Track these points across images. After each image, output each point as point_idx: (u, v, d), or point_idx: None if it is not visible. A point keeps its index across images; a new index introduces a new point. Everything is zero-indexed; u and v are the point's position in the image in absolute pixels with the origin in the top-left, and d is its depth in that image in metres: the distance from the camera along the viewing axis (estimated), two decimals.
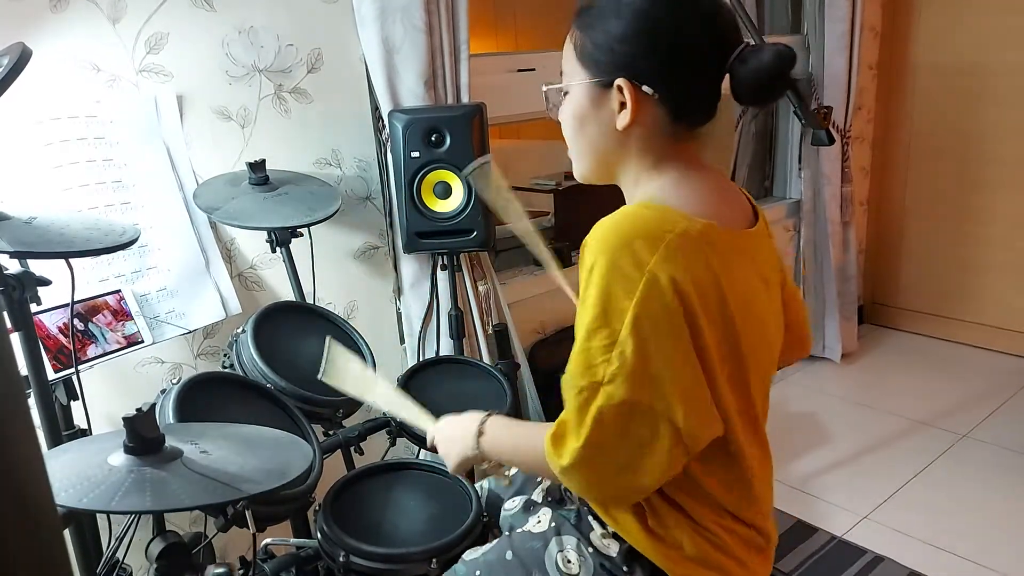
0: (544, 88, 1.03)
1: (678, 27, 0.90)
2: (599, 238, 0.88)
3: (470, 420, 1.10)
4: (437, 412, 1.54)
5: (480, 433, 1.07)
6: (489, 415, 1.09)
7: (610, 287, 0.85)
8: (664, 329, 0.85)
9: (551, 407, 2.17)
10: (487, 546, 1.12)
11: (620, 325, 0.84)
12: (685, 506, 0.95)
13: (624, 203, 1.08)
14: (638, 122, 0.93)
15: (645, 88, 0.91)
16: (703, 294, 0.86)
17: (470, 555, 1.11)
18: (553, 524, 1.07)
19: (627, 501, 0.96)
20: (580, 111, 0.97)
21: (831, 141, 2.11)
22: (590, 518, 1.04)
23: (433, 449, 1.16)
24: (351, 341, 1.63)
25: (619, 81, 0.91)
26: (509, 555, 1.06)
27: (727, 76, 0.92)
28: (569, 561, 1.02)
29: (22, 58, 1.08)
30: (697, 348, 0.86)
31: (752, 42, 0.92)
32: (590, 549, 1.02)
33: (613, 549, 1.00)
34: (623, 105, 0.93)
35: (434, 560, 1.16)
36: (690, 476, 0.93)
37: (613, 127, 0.94)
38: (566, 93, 0.99)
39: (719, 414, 0.90)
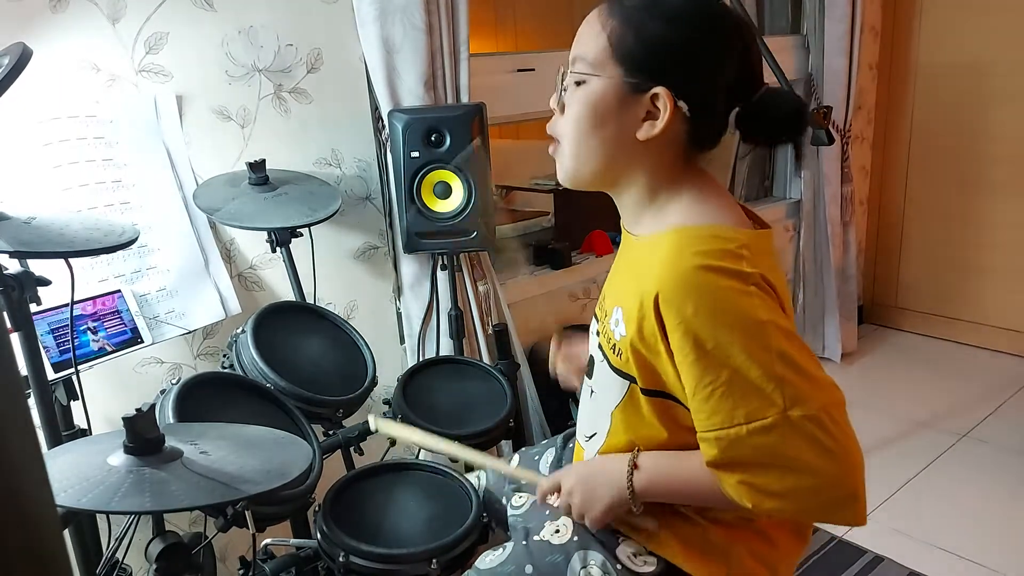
0: (568, 71, 0.93)
1: (723, 50, 0.88)
2: (683, 277, 0.82)
3: (614, 458, 0.96)
4: (437, 412, 1.54)
5: (634, 467, 0.94)
6: (639, 451, 0.96)
7: (733, 313, 0.81)
8: (785, 323, 0.83)
9: (551, 407, 2.17)
10: (502, 555, 1.05)
11: (767, 340, 0.80)
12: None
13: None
14: (659, 137, 0.88)
15: (681, 103, 0.87)
16: (774, 288, 0.86)
17: (484, 563, 1.05)
18: (576, 537, 1.01)
19: (864, 502, 0.84)
20: (602, 108, 0.90)
21: (831, 141, 2.11)
22: (616, 534, 1.00)
23: (544, 497, 1.03)
24: (351, 341, 1.63)
25: (659, 89, 0.87)
26: (529, 569, 1.00)
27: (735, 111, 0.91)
28: None
29: (22, 58, 1.08)
30: None
31: (770, 85, 0.92)
32: (618, 566, 0.97)
33: (647, 567, 0.97)
34: (650, 114, 0.88)
35: (434, 560, 1.16)
36: None
37: (631, 135, 0.89)
38: (581, 83, 0.92)
39: None
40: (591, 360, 1.05)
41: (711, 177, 0.95)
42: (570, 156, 0.95)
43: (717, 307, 0.81)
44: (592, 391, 1.04)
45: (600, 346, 0.99)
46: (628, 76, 0.88)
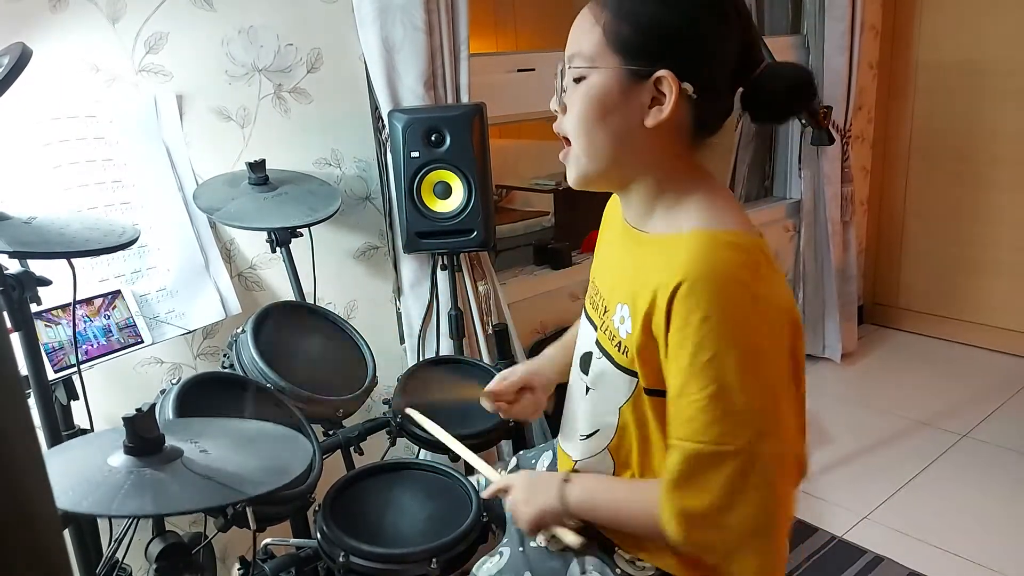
0: (565, 68, 0.92)
1: (720, 29, 0.87)
2: (705, 283, 0.80)
3: (551, 474, 1.02)
4: (437, 412, 1.54)
5: (566, 480, 0.98)
6: (575, 470, 1.01)
7: (740, 335, 0.80)
8: (786, 357, 0.84)
9: (551, 408, 2.17)
10: (500, 562, 1.06)
11: (760, 372, 0.80)
12: None
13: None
14: (667, 122, 0.86)
15: (685, 85, 0.85)
16: (791, 312, 0.86)
17: (481, 570, 1.06)
18: None
19: (784, 562, 0.86)
20: (606, 100, 0.88)
21: (831, 141, 2.12)
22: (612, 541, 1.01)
23: (496, 496, 1.09)
24: (351, 341, 1.63)
25: (663, 72, 0.84)
26: (528, 575, 1.01)
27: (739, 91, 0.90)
28: None
29: (22, 58, 1.08)
30: (792, 360, 0.86)
31: (770, 61, 0.90)
32: (617, 570, 0.98)
33: (645, 573, 0.97)
34: (656, 100, 0.86)
35: (434, 560, 1.16)
36: None
37: (639, 123, 0.87)
38: (580, 79, 0.90)
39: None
40: (585, 356, 1.04)
41: (715, 177, 0.95)
42: (581, 154, 0.93)
43: (729, 324, 0.80)
44: (588, 388, 1.02)
45: (598, 342, 0.99)
46: (628, 64, 0.86)
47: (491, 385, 1.19)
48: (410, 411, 1.29)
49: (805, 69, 0.90)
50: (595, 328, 1.02)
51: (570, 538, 0.97)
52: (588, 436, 1.03)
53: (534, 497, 1.00)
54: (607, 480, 1.00)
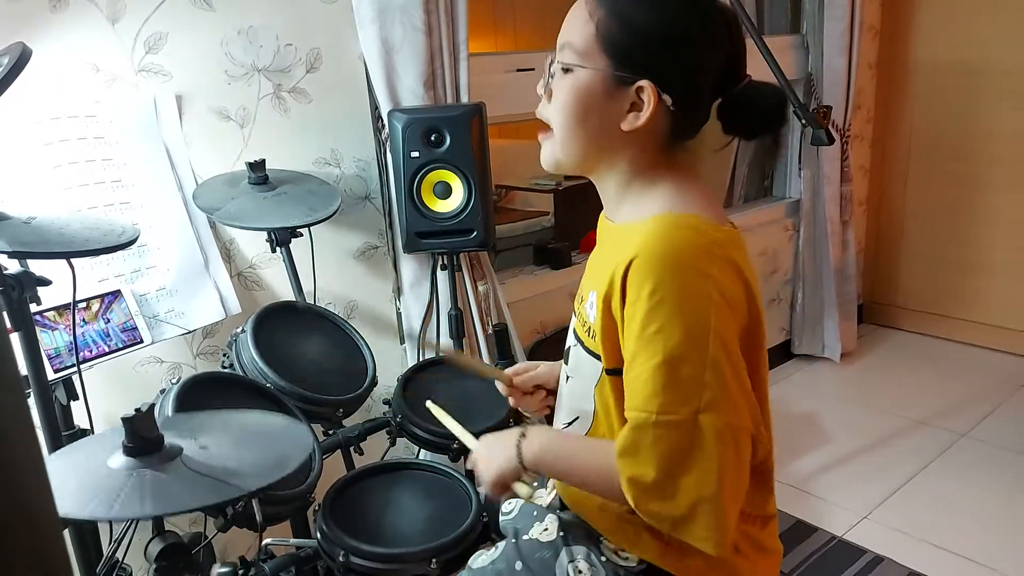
0: (554, 63, 0.94)
1: (709, 42, 0.89)
2: (657, 259, 0.83)
3: (510, 431, 1.01)
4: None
5: (522, 436, 0.98)
6: (528, 422, 1.03)
7: (689, 309, 0.82)
8: (734, 341, 0.85)
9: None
10: (494, 553, 1.08)
11: (707, 346, 0.81)
12: None
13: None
14: (643, 128, 0.89)
15: (665, 97, 0.87)
16: (749, 298, 0.87)
17: (476, 562, 1.08)
18: (562, 533, 1.04)
19: (731, 534, 0.86)
20: (588, 99, 0.91)
21: (831, 141, 2.11)
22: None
23: (472, 470, 1.08)
24: (351, 341, 1.63)
25: (644, 83, 0.87)
26: (519, 565, 1.03)
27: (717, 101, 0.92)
28: (580, 572, 0.99)
29: (22, 58, 1.08)
30: (744, 351, 0.87)
31: (752, 78, 0.93)
32: (603, 558, 1.00)
33: (630, 561, 0.99)
34: (635, 106, 0.89)
35: (434, 560, 1.16)
36: None
37: (616, 124, 0.90)
38: (568, 71, 0.92)
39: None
40: (567, 348, 1.07)
41: (690, 168, 0.97)
42: (557, 144, 0.96)
43: (677, 297, 0.82)
44: (568, 377, 1.06)
45: (575, 332, 1.02)
46: (615, 68, 0.89)
47: (512, 369, 1.20)
48: (430, 405, 1.29)
49: (783, 93, 0.94)
50: (574, 318, 1.05)
51: (523, 490, 0.98)
52: (569, 423, 1.06)
53: (492, 455, 1.01)
54: (567, 436, 1.01)
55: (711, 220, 0.89)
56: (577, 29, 0.91)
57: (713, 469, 0.82)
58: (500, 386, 1.19)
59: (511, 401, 1.20)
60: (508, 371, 1.20)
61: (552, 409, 1.24)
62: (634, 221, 0.93)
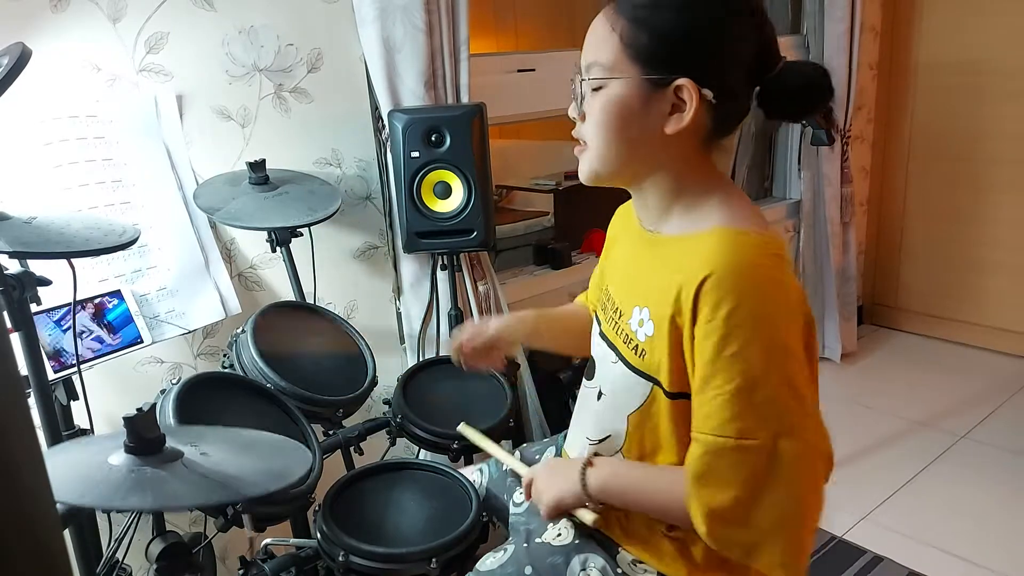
0: (584, 78, 0.92)
1: (738, 30, 0.87)
2: (733, 279, 0.80)
3: (575, 459, 1.00)
4: (437, 412, 1.54)
5: (588, 463, 0.96)
6: (596, 452, 0.99)
7: (766, 328, 0.81)
8: (802, 352, 0.84)
9: (550, 407, 2.17)
10: (503, 556, 1.06)
11: (785, 366, 0.81)
12: None
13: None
14: (686, 128, 0.87)
15: (705, 91, 0.85)
16: (806, 309, 0.87)
17: (484, 565, 1.06)
18: (576, 540, 1.02)
19: (807, 560, 0.85)
20: (625, 111, 0.88)
21: (831, 141, 2.12)
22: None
23: (528, 493, 1.06)
24: (351, 341, 1.63)
25: (683, 81, 0.85)
26: (528, 570, 1.01)
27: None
28: None
29: (22, 58, 1.08)
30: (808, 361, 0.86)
31: (787, 59, 0.90)
32: (618, 570, 0.98)
33: (649, 574, 0.97)
34: (676, 107, 0.87)
35: (434, 560, 1.16)
36: None
37: (658, 130, 0.88)
38: (599, 88, 0.90)
39: None
40: (591, 362, 1.05)
41: (729, 178, 0.96)
42: (596, 159, 0.93)
43: (754, 317, 0.80)
44: (601, 393, 1.02)
45: (615, 349, 0.98)
46: (647, 73, 0.86)
47: (461, 337, 1.19)
48: (463, 428, 1.30)
49: (822, 68, 0.91)
50: (604, 336, 1.02)
51: (587, 516, 0.96)
52: (599, 441, 1.03)
53: (554, 482, 0.98)
54: (632, 466, 0.97)
55: (764, 229, 0.89)
56: (602, 44, 0.89)
57: (792, 495, 0.81)
58: (454, 356, 1.18)
59: (463, 366, 1.19)
60: (454, 344, 1.18)
61: (501, 364, 1.23)
62: (690, 233, 0.90)
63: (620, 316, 0.97)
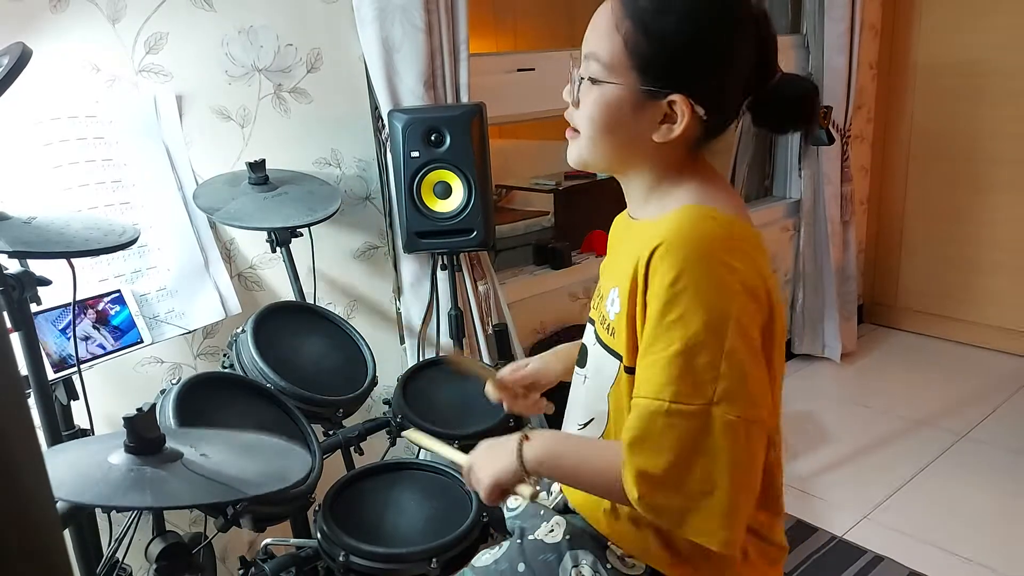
0: (580, 76, 0.92)
1: (740, 49, 0.87)
2: (679, 246, 0.82)
3: (511, 436, 0.98)
4: (437, 412, 1.55)
5: (524, 439, 0.95)
6: (530, 426, 1.01)
7: (710, 298, 0.81)
8: (756, 333, 0.84)
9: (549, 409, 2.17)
10: (497, 553, 1.07)
11: (725, 336, 0.81)
12: None
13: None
14: (676, 137, 0.88)
15: (698, 108, 0.86)
16: (768, 294, 0.87)
17: (479, 561, 1.07)
18: (568, 536, 1.03)
19: (742, 531, 0.84)
20: (616, 114, 0.89)
21: (831, 140, 2.11)
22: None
23: (468, 480, 1.04)
24: (351, 341, 1.63)
25: (677, 97, 0.86)
26: (522, 567, 1.01)
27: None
28: None
29: (22, 58, 1.08)
30: (764, 349, 0.86)
31: (783, 72, 0.91)
32: (608, 566, 0.99)
33: (636, 570, 0.98)
34: (668, 118, 0.88)
35: (434, 560, 1.16)
36: None
37: (647, 136, 0.89)
38: (596, 81, 0.90)
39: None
40: (583, 349, 1.06)
41: (714, 168, 0.96)
42: (584, 148, 0.95)
43: (699, 285, 0.81)
44: (585, 378, 1.04)
45: (595, 332, 1.01)
46: (644, 83, 0.87)
47: (502, 373, 1.19)
48: (408, 434, 1.29)
49: (813, 84, 0.92)
50: (591, 321, 1.04)
51: (526, 491, 0.95)
52: (585, 425, 1.04)
53: (491, 462, 0.97)
54: (569, 437, 1.00)
55: (733, 215, 0.89)
56: (604, 40, 0.89)
57: (723, 462, 0.81)
58: (490, 391, 1.17)
59: (504, 406, 1.19)
60: (498, 375, 1.17)
61: (545, 408, 1.24)
62: (657, 217, 0.92)
63: (601, 300, 1.00)
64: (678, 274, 0.81)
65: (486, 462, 0.99)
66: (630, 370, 0.91)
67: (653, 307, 0.83)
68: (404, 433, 1.29)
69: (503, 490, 0.97)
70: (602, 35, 0.89)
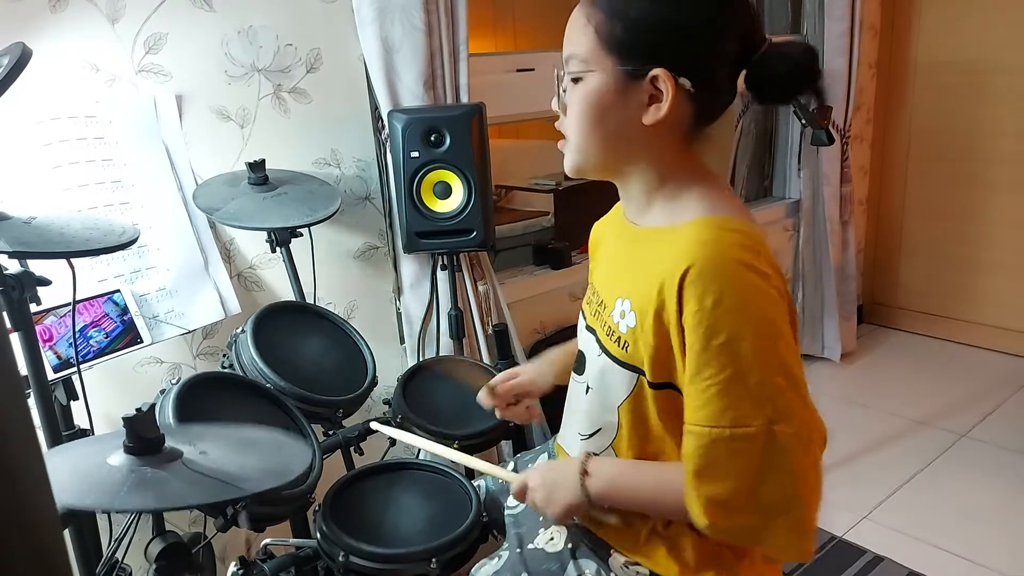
0: (561, 72, 0.92)
1: (716, 16, 0.85)
2: (713, 267, 0.81)
3: (569, 462, 0.99)
4: (437, 412, 1.54)
5: (584, 472, 0.95)
6: (589, 455, 0.98)
7: (754, 316, 0.81)
8: (792, 337, 0.84)
9: (550, 407, 2.17)
10: (497, 564, 1.06)
11: (776, 351, 0.80)
12: None
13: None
14: (666, 118, 0.86)
15: (682, 80, 0.84)
16: (788, 295, 0.87)
17: (480, 572, 1.06)
18: (570, 545, 1.02)
19: (815, 538, 0.85)
20: (602, 102, 0.88)
21: (831, 141, 2.11)
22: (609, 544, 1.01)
23: (520, 497, 1.05)
24: (351, 341, 1.63)
25: (657, 71, 0.84)
26: None
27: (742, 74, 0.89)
28: None
29: (22, 58, 1.08)
30: None
31: (772, 40, 0.89)
32: (612, 574, 0.98)
33: (641, 575, 0.97)
34: (653, 98, 0.86)
35: (434, 560, 1.16)
36: None
37: (637, 122, 0.87)
38: (578, 80, 0.90)
39: None
40: (581, 356, 1.04)
41: (714, 172, 0.95)
42: (578, 149, 0.94)
43: (742, 302, 0.80)
44: (588, 388, 1.02)
45: (599, 342, 0.98)
46: (622, 64, 0.86)
47: (495, 381, 1.18)
48: (379, 427, 1.29)
49: (808, 46, 0.90)
50: (591, 329, 1.02)
51: (611, 519, 0.97)
52: (590, 436, 1.03)
53: (555, 496, 0.98)
54: (628, 466, 0.97)
55: (742, 218, 0.89)
56: (578, 37, 0.89)
57: (792, 477, 0.81)
58: (482, 398, 1.17)
59: (496, 413, 1.19)
60: (490, 383, 1.17)
61: (538, 416, 1.23)
62: (670, 225, 0.90)
63: (604, 308, 0.98)
64: (718, 297, 0.80)
65: (549, 496, 0.99)
66: (656, 386, 0.90)
67: (697, 332, 0.81)
68: (396, 435, 1.29)
69: (572, 517, 0.99)
70: (576, 34, 0.90)
